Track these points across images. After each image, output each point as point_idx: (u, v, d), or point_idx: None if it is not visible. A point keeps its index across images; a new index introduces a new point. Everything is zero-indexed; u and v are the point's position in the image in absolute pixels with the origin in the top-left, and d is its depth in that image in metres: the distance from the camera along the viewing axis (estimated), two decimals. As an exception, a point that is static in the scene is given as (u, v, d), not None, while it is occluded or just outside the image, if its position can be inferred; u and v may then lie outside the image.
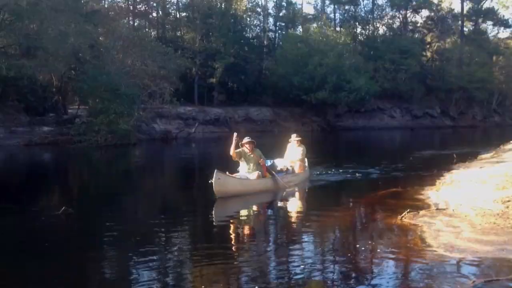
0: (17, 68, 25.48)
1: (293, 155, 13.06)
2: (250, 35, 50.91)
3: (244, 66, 44.77)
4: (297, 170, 12.72)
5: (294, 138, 13.27)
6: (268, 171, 11.73)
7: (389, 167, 16.04)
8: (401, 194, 10.79)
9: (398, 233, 7.62)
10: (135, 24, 46.49)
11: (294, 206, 10.65)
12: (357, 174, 14.15)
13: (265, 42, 52.01)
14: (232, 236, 7.94)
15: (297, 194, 11.77)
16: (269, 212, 10.13)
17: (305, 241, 7.42)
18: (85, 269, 6.28)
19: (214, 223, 8.90)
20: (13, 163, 19.91)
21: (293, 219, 9.31)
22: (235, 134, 11.36)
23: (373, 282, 5.64)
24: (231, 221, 8.90)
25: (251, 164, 11.50)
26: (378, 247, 6.89)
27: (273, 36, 54.18)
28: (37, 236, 7.64)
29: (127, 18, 45.36)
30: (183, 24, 46.71)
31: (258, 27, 53.05)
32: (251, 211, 9.95)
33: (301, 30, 52.79)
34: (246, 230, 8.42)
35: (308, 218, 9.19)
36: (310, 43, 45.34)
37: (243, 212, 9.75)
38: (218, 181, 10.11)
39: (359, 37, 57.07)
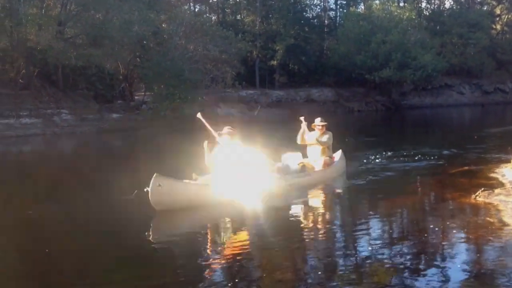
0: (85, 57, 26.42)
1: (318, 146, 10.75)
2: (310, 15, 50.21)
3: (304, 47, 44.33)
4: (320, 166, 10.38)
5: (318, 123, 10.77)
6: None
7: (459, 145, 15.45)
8: (473, 173, 10.38)
9: (472, 213, 7.35)
10: (196, 9, 46.94)
11: (355, 191, 9.76)
12: (425, 156, 13.12)
13: (325, 21, 51.19)
14: (300, 222, 7.84)
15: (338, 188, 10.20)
16: (333, 197, 9.55)
17: (373, 224, 7.26)
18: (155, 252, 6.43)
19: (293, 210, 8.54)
20: (85, 149, 20.75)
21: (358, 202, 8.93)
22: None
23: (447, 263, 5.45)
24: (297, 210, 8.62)
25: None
26: (451, 227, 6.65)
27: (334, 15, 53.18)
28: (111, 217, 7.89)
29: (188, 4, 45.86)
30: (243, 7, 46.68)
31: (318, 7, 52.21)
32: (320, 193, 9.60)
33: (363, 7, 51.59)
34: (312, 213, 8.36)
35: (375, 200, 8.83)
36: (373, 20, 44.23)
37: (316, 194, 9.47)
38: (159, 189, 7.69)
39: (424, 12, 55.05)
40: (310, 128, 10.79)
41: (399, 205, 8.26)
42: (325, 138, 10.57)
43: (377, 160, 12.91)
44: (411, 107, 45.20)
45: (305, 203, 8.79)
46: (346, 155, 11.55)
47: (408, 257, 5.73)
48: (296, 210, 8.28)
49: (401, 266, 5.44)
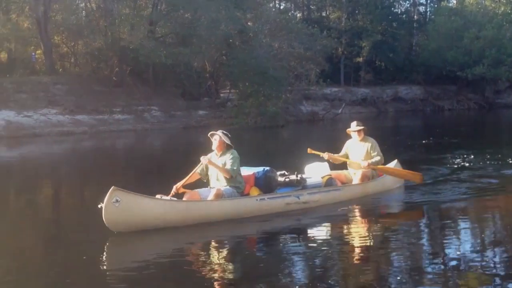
0: (174, 55, 27.31)
1: (356, 156, 8.63)
2: (399, 10, 48.89)
3: (392, 43, 43.25)
4: (357, 180, 8.40)
5: (354, 128, 8.66)
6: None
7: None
8: None
9: None
10: (281, 7, 47.07)
11: (405, 209, 8.36)
12: None
13: (415, 16, 49.58)
14: (382, 224, 7.40)
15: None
16: (418, 198, 8.42)
17: (461, 230, 6.78)
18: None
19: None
20: (173, 144, 21.47)
21: (443, 207, 8.07)
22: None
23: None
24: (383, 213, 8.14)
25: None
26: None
27: (424, 10, 51.44)
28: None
29: (273, 2, 46.10)
30: (329, 4, 46.24)
31: (407, 1, 50.64)
32: (346, 212, 7.72)
33: (454, 2, 49.48)
34: (398, 213, 8.11)
35: (460, 205, 8.13)
36: (465, 15, 42.32)
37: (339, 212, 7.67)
38: (115, 206, 6.27)
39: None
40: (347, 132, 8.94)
41: (490, 211, 7.75)
42: (364, 148, 8.56)
43: (465, 165, 11.64)
44: (506, 106, 42.75)
45: (318, 225, 7.19)
46: (427, 158, 10.47)
47: (500, 266, 5.38)
48: (298, 233, 6.77)
49: (490, 275, 5.12)
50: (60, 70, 30.53)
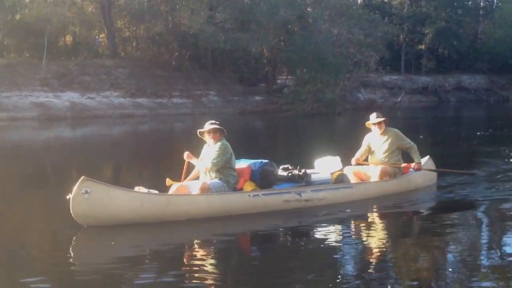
0: (233, 41, 27.49)
1: (377, 151, 7.62)
2: (465, -3, 47.14)
3: (456, 31, 41.77)
4: (376, 177, 7.39)
5: (374, 120, 7.64)
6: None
7: None
8: None
9: None
10: (342, -8, 46.30)
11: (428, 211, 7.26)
12: None
13: (481, 3, 47.62)
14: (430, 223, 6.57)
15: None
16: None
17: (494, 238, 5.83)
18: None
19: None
20: (230, 129, 21.62)
21: (487, 209, 7.01)
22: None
23: None
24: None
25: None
26: None
27: (491, -4, 49.33)
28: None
29: (334, -13, 45.41)
30: (391, -11, 45.14)
31: (473, -13, 48.76)
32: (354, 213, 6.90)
33: (525, -13, 47.13)
34: (420, 215, 7.01)
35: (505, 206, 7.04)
36: (536, 1, 40.38)
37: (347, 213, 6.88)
38: (84, 197, 5.70)
39: None
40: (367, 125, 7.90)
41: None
42: (387, 142, 7.55)
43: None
44: None
45: (315, 226, 6.29)
46: (478, 150, 9.42)
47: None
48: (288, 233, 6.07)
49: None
50: (122, 54, 31.36)
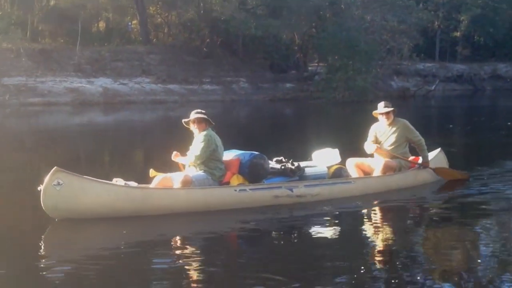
0: (264, 27, 27.35)
1: (384, 143, 7.13)
2: (503, -18, 45.79)
3: (493, 18, 40.61)
4: (378, 171, 6.88)
5: (381, 109, 7.18)
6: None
7: None
8: None
9: None
10: (376, -22, 45.57)
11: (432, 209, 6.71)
12: None
13: (521, -11, 46.25)
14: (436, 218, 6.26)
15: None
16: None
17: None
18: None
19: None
20: (259, 116, 21.67)
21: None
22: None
23: None
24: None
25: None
26: None
27: (532, -18, 47.80)
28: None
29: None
30: (426, -25, 44.17)
31: (513, -27, 47.34)
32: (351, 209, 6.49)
33: None
34: (425, 212, 6.61)
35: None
36: None
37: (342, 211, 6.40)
38: (56, 189, 5.45)
39: None
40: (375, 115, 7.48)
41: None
42: (395, 134, 7.07)
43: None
44: None
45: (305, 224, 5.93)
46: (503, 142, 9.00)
47: None
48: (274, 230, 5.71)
49: None
50: (154, 40, 31.56)
